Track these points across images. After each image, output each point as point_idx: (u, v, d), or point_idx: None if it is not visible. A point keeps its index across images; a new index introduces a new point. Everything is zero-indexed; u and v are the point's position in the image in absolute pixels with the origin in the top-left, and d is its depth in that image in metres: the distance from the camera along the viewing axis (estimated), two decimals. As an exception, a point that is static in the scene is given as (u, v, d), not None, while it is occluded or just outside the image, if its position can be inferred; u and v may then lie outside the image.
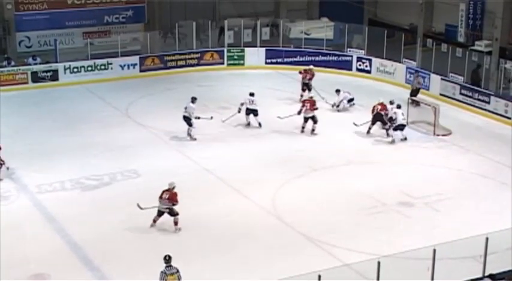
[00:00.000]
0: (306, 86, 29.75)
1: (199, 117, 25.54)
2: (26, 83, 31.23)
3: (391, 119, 25.50)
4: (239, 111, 26.67)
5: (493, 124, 27.87)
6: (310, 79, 29.89)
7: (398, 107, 25.77)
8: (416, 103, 27.72)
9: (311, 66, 30.54)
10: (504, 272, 14.31)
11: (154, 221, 19.19)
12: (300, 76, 30.11)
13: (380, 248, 17.31)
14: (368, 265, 14.50)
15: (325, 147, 25.01)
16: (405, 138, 25.52)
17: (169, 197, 18.94)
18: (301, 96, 29.25)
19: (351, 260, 16.68)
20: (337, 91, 28.95)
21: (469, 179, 22.67)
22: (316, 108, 26.02)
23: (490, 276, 13.89)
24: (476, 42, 34.01)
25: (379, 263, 13.98)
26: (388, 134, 25.59)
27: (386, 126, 25.62)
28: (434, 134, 26.32)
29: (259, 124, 26.54)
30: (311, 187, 21.97)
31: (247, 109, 26.59)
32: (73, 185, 21.76)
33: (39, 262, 17.37)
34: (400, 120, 25.45)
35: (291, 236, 18.90)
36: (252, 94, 26.67)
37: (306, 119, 25.99)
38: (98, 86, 31.55)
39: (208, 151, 24.50)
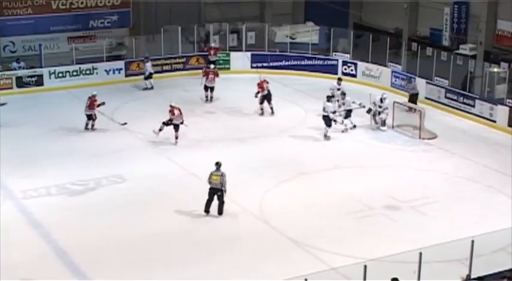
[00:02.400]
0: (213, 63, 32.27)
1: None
2: (11, 88, 31.10)
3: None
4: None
5: (478, 127, 27.99)
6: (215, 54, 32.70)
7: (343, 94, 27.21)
8: (413, 109, 27.78)
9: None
10: (490, 275, 14.36)
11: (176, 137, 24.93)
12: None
13: (367, 252, 17.31)
14: (355, 268, 14.50)
15: (311, 151, 25.04)
16: (354, 126, 26.82)
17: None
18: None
19: (337, 263, 16.68)
20: (343, 94, 27.67)
21: (455, 183, 22.74)
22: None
23: (476, 279, 13.93)
24: (461, 46, 34.24)
25: (365, 266, 13.99)
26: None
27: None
28: (420, 137, 26.41)
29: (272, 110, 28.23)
30: (298, 190, 21.97)
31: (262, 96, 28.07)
32: (59, 190, 21.66)
33: (26, 267, 17.27)
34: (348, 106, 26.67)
35: (278, 240, 18.88)
36: None
37: (207, 88, 29.00)
38: (83, 91, 31.37)
39: (194, 155, 24.46)
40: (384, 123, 26.92)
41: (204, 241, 18.85)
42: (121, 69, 33.17)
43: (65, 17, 35.01)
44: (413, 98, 29.58)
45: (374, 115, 27.14)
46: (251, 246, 18.56)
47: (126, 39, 35.08)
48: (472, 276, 14.31)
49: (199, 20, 36.64)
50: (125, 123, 26.45)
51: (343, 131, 26.31)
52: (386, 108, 26.95)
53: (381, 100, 26.88)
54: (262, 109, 28.61)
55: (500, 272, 14.64)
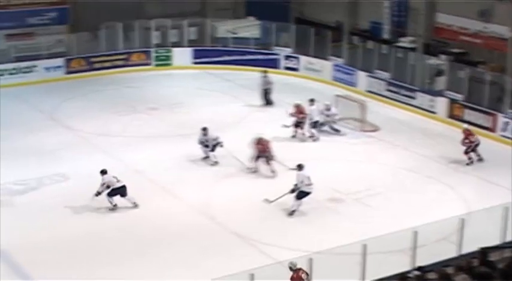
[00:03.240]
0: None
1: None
2: None
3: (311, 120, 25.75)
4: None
5: (419, 119, 28.36)
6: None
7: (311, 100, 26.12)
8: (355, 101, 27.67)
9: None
10: (432, 264, 14.55)
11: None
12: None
13: (312, 245, 17.43)
14: (300, 261, 14.58)
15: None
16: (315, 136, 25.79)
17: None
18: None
19: (283, 257, 16.68)
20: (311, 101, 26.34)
21: (397, 174, 23.00)
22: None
23: (419, 268, 14.10)
24: (401, 39, 34.61)
25: (311, 259, 14.08)
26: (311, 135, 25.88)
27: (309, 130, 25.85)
28: (361, 130, 26.63)
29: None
30: (241, 185, 22.00)
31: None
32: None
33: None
34: (314, 117, 25.77)
35: (223, 236, 18.88)
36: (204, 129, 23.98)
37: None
38: (22, 89, 30.92)
39: (138, 152, 24.27)
40: (337, 130, 26.51)
41: (148, 238, 18.73)
42: (61, 66, 32.73)
43: (2, 14, 34.28)
44: (266, 92, 29.35)
45: (322, 125, 26.30)
46: (196, 242, 18.51)
47: (65, 37, 34.57)
48: (416, 266, 14.48)
49: (140, 16, 36.30)
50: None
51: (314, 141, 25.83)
52: (336, 114, 26.48)
53: (328, 109, 26.32)
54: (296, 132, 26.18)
55: (443, 262, 14.85)
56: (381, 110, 28.91)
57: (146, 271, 17.01)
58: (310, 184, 20.16)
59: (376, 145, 25.52)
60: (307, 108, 25.83)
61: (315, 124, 25.87)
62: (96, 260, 17.49)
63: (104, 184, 20.13)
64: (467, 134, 23.66)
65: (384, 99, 30.15)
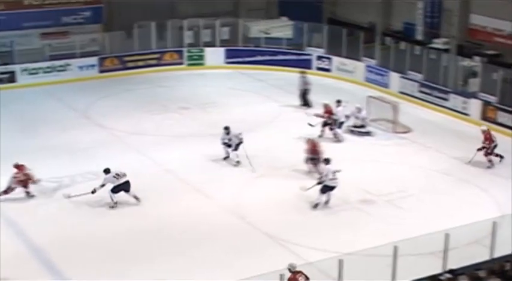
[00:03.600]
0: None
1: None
2: (-17, 85, 30.86)
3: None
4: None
5: (452, 121, 28.17)
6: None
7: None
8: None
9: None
10: (463, 268, 14.47)
11: None
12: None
13: (342, 246, 17.36)
14: (330, 262, 14.55)
15: (286, 146, 25.04)
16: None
17: None
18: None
19: (313, 258, 16.72)
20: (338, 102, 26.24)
21: (429, 176, 22.87)
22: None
23: (450, 271, 14.02)
24: (434, 40, 34.41)
25: (341, 261, 14.05)
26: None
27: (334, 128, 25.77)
28: (394, 131, 26.52)
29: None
30: (273, 186, 21.97)
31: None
32: (33, 187, 21.47)
33: (0, 266, 17.12)
34: (340, 118, 25.71)
35: (254, 236, 18.89)
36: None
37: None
38: (57, 87, 31.26)
39: (169, 151, 24.39)
40: (368, 132, 26.36)
41: (179, 236, 18.81)
42: (95, 65, 33.01)
43: (37, 13, 34.65)
44: (304, 93, 29.27)
45: (354, 127, 26.29)
46: (226, 242, 18.54)
47: (99, 36, 34.86)
48: (447, 269, 14.41)
49: (172, 16, 36.49)
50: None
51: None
52: (366, 117, 26.37)
53: (359, 111, 26.20)
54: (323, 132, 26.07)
55: (475, 265, 14.75)
56: (413, 112, 28.76)
57: (176, 270, 17.05)
58: (334, 179, 20.38)
59: (408, 147, 25.39)
60: (334, 109, 25.79)
61: (340, 125, 25.81)
62: (127, 259, 17.58)
63: (103, 184, 20.29)
64: (487, 135, 23.44)
65: (417, 100, 29.98)
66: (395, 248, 14.48)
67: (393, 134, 26.40)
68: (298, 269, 14.56)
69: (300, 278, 14.46)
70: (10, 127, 26.51)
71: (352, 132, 26.18)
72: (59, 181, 21.97)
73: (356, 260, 15.69)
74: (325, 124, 25.76)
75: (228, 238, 18.79)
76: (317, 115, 25.83)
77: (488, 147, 23.35)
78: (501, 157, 23.66)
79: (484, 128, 23.92)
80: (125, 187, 20.46)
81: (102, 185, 20.39)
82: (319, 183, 20.40)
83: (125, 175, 20.49)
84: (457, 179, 22.58)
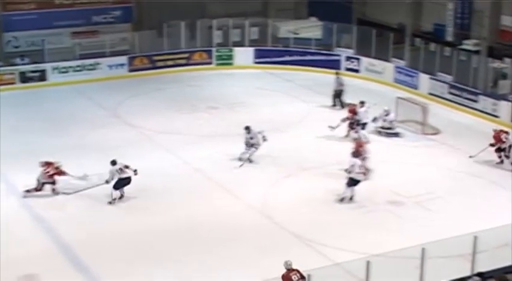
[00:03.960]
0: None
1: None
2: (14, 83, 31.14)
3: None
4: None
5: (481, 123, 27.96)
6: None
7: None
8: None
9: None
10: (492, 271, 14.37)
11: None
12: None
13: (370, 247, 17.31)
14: (358, 264, 14.51)
15: (314, 146, 25.04)
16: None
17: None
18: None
19: (340, 259, 16.70)
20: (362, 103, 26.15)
21: (458, 178, 22.73)
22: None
23: (479, 274, 13.93)
24: (465, 42, 34.18)
25: (368, 262, 14.00)
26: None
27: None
28: (422, 133, 26.39)
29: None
30: (301, 186, 21.97)
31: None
32: (62, 185, 21.66)
33: (29, 262, 17.28)
34: (363, 118, 25.58)
35: (281, 236, 18.90)
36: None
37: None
38: (87, 86, 31.49)
39: (198, 150, 24.46)
40: (395, 133, 26.29)
41: (206, 236, 18.86)
42: (124, 64, 33.20)
43: (68, 12, 34.96)
44: (339, 94, 29.18)
45: (382, 128, 26.24)
46: (253, 241, 18.57)
47: (129, 35, 35.07)
48: (474, 271, 14.32)
49: (202, 15, 36.63)
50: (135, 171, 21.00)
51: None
52: (394, 120, 26.27)
53: (387, 114, 26.09)
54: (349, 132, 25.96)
55: (504, 268, 14.64)
56: (442, 113, 28.60)
57: (203, 269, 17.10)
58: (361, 173, 20.62)
59: (437, 148, 25.25)
60: (357, 109, 25.75)
61: (363, 126, 25.72)
62: (154, 257, 17.66)
63: (112, 177, 20.63)
64: (498, 135, 23.56)
65: (446, 102, 29.82)
66: (424, 250, 14.42)
67: (422, 135, 26.28)
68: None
69: (293, 276, 14.48)
70: (40, 125, 26.78)
71: (379, 133, 26.11)
72: (88, 178, 22.10)
73: (384, 261, 15.65)
74: (351, 124, 25.72)
75: (255, 237, 18.81)
76: (343, 120, 25.77)
77: (498, 147, 23.50)
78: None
79: (495, 128, 24.19)
80: (126, 182, 20.66)
81: (112, 178, 20.60)
82: (346, 171, 20.67)
83: (130, 170, 20.64)
84: (487, 181, 22.42)
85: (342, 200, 20.67)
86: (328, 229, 19.25)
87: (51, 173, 20.86)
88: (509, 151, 23.53)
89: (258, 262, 17.42)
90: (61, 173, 21.07)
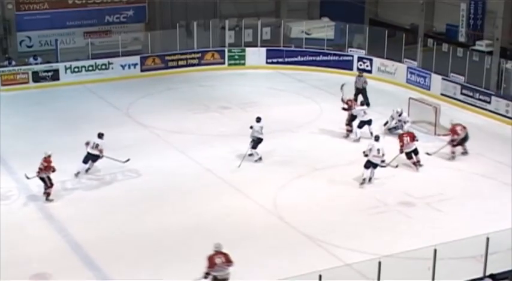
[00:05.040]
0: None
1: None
2: (27, 82, 31.27)
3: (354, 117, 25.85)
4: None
5: (494, 124, 27.87)
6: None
7: (362, 104, 26.59)
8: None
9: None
10: (505, 272, 14.32)
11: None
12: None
13: (381, 248, 17.30)
14: (369, 264, 14.51)
15: (326, 147, 25.03)
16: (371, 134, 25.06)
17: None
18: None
19: (352, 260, 16.69)
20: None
21: (471, 179, 22.67)
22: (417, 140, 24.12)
23: (491, 276, 13.89)
24: (477, 42, 34.04)
25: (380, 263, 13.99)
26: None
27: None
28: (435, 134, 26.32)
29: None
30: (312, 186, 21.96)
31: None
32: (74, 184, 21.77)
33: (40, 261, 17.38)
34: (360, 117, 25.66)
35: (292, 236, 18.90)
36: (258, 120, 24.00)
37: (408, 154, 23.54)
38: (99, 85, 31.58)
39: (209, 150, 24.50)
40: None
41: (218, 236, 18.74)
42: (136, 64, 33.26)
43: (81, 12, 35.13)
44: (361, 93, 29.14)
45: (395, 128, 26.12)
46: (265, 242, 18.58)
47: (141, 34, 35.15)
48: (486, 273, 14.28)
49: (214, 15, 36.67)
50: (128, 160, 22.78)
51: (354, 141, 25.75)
52: (406, 121, 25.89)
53: (400, 114, 25.95)
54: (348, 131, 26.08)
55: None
56: (455, 114, 28.47)
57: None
58: (378, 156, 21.70)
59: (449, 149, 25.14)
60: (354, 105, 25.92)
61: (361, 124, 25.73)
62: (165, 257, 17.71)
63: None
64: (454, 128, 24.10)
65: (458, 103, 29.74)
66: (435, 251, 14.39)
67: (434, 136, 26.19)
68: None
69: (217, 258, 14.93)
70: (53, 124, 26.89)
71: (389, 131, 26.06)
72: (100, 178, 22.22)
73: (395, 262, 15.65)
74: (350, 118, 25.89)
75: (267, 237, 18.82)
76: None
77: (454, 139, 24.06)
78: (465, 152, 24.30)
79: (452, 122, 24.62)
80: (93, 158, 22.25)
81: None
82: (365, 155, 21.96)
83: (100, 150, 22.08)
84: (499, 182, 22.33)
85: (362, 183, 21.75)
86: (339, 229, 19.24)
87: (41, 167, 20.80)
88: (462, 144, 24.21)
89: (269, 262, 17.44)
90: (48, 168, 20.89)
